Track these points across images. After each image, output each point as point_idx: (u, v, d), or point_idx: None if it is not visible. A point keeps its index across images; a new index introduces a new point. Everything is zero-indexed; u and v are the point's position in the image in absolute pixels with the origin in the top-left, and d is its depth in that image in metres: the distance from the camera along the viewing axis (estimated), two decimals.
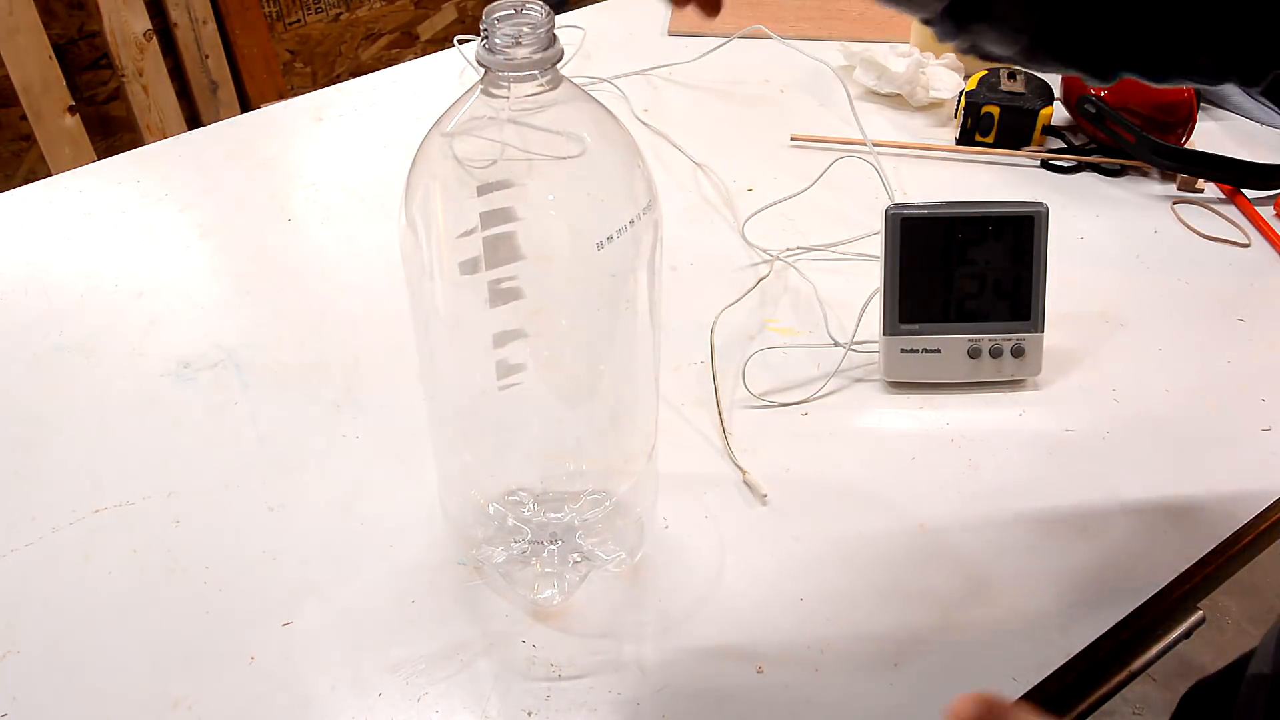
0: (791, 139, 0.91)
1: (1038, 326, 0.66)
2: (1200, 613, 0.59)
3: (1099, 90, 0.86)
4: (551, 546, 0.55)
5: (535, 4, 0.44)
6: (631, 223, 0.46)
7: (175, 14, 1.88)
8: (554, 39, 0.44)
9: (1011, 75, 0.90)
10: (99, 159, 1.00)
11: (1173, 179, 0.85)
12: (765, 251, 0.78)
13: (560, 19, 0.93)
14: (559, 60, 0.44)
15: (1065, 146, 0.90)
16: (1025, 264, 0.66)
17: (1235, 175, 0.83)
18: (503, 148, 0.46)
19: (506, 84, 0.44)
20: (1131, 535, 0.58)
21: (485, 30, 0.44)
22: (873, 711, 0.51)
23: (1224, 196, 0.84)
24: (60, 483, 0.62)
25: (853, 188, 0.84)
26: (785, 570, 0.57)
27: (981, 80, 0.89)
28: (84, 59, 1.85)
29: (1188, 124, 0.86)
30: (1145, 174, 0.87)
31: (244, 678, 0.52)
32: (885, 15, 1.10)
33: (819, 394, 0.67)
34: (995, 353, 0.66)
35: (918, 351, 0.66)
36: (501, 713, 0.51)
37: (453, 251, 0.47)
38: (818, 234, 0.80)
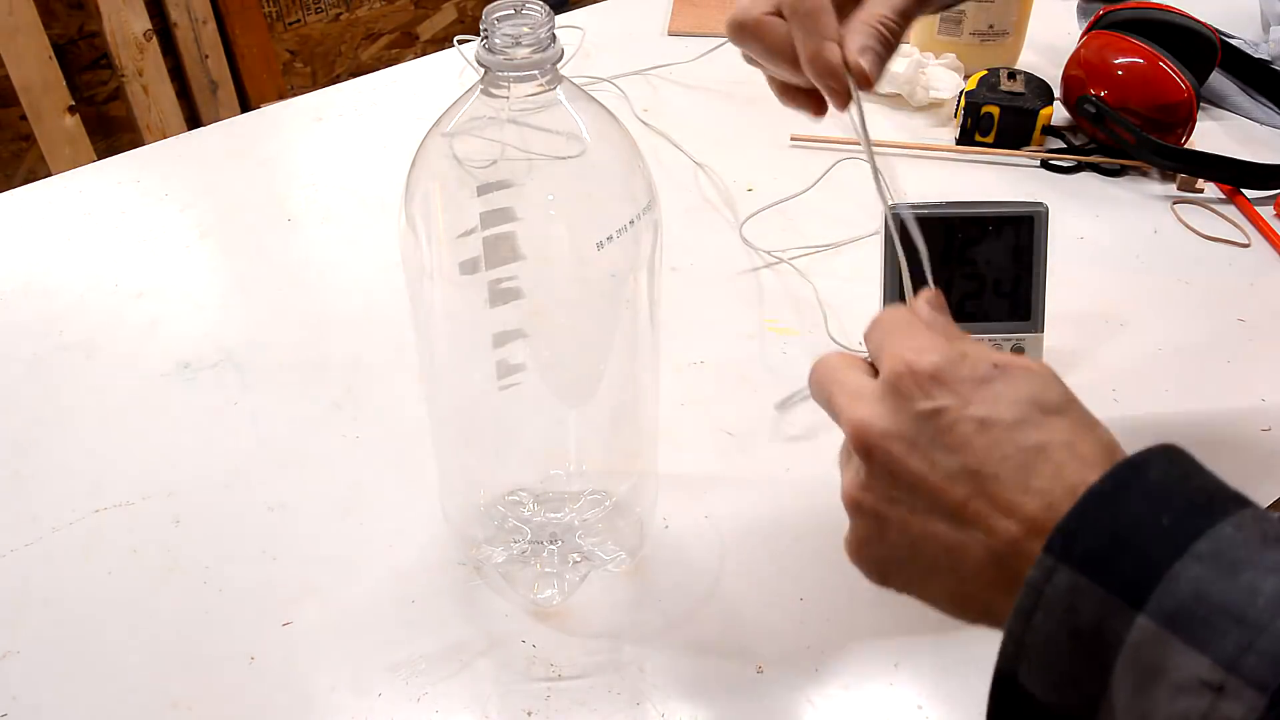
0: (791, 139, 0.91)
1: (1038, 326, 0.66)
2: None
3: (1099, 90, 0.86)
4: (551, 546, 0.55)
5: (535, 4, 0.44)
6: (631, 223, 0.46)
7: (175, 14, 1.88)
8: (554, 39, 0.44)
9: (1011, 75, 0.90)
10: (99, 159, 1.00)
11: (1173, 179, 0.85)
12: (766, 252, 0.78)
13: (560, 19, 0.93)
14: (559, 60, 0.44)
15: (1065, 146, 0.90)
16: (1025, 264, 0.66)
17: (1235, 175, 0.83)
18: (503, 148, 0.46)
19: (506, 84, 0.44)
20: None
21: (485, 30, 0.44)
22: (873, 711, 0.51)
23: (1224, 196, 0.84)
24: (60, 483, 0.62)
25: (853, 188, 0.84)
26: (785, 570, 0.57)
27: (981, 80, 0.89)
28: (84, 59, 1.85)
29: (1188, 124, 0.85)
30: (1145, 174, 0.87)
31: (244, 678, 0.52)
32: None
33: None
34: None
35: None
36: (501, 713, 0.51)
37: (453, 251, 0.47)
38: (818, 234, 0.80)
